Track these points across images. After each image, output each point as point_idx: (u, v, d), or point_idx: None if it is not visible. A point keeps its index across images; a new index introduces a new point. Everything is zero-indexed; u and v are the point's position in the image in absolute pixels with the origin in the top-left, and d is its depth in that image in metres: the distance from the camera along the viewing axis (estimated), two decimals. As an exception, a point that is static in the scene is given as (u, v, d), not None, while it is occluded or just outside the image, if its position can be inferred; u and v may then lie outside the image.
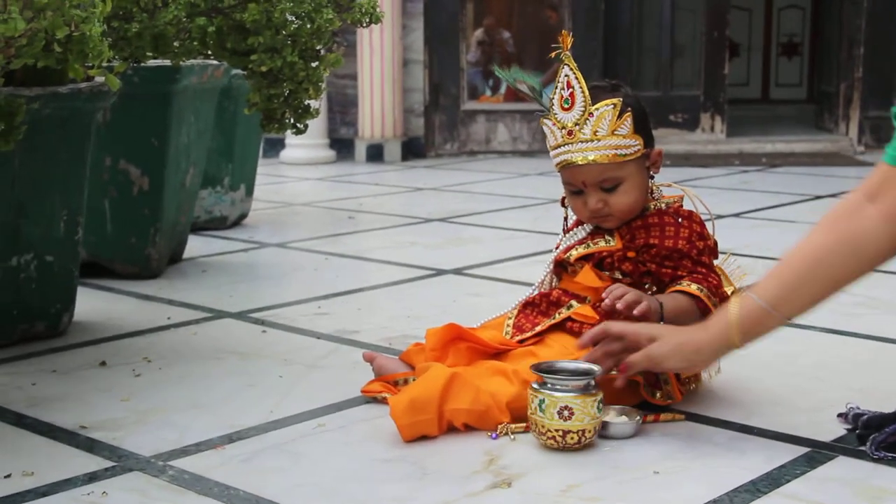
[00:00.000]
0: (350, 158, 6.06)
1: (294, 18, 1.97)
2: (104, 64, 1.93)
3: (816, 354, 2.05)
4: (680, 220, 1.75)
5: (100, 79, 2.07)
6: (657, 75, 6.58)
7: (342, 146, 6.09)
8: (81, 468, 1.51)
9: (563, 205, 1.86)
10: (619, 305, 1.63)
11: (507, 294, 2.55)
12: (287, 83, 1.99)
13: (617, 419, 1.62)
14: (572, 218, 1.86)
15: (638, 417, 1.62)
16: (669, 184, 1.81)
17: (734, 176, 5.14)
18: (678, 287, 1.71)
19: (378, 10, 2.14)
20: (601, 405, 1.57)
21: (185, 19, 1.91)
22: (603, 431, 1.60)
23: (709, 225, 1.81)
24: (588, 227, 1.81)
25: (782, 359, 2.01)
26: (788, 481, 1.44)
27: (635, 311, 1.62)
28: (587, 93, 1.70)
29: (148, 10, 1.86)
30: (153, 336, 2.25)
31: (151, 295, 2.62)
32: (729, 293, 1.81)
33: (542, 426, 1.55)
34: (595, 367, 1.61)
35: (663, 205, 1.77)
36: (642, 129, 1.74)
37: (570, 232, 1.84)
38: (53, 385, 1.90)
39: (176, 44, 1.98)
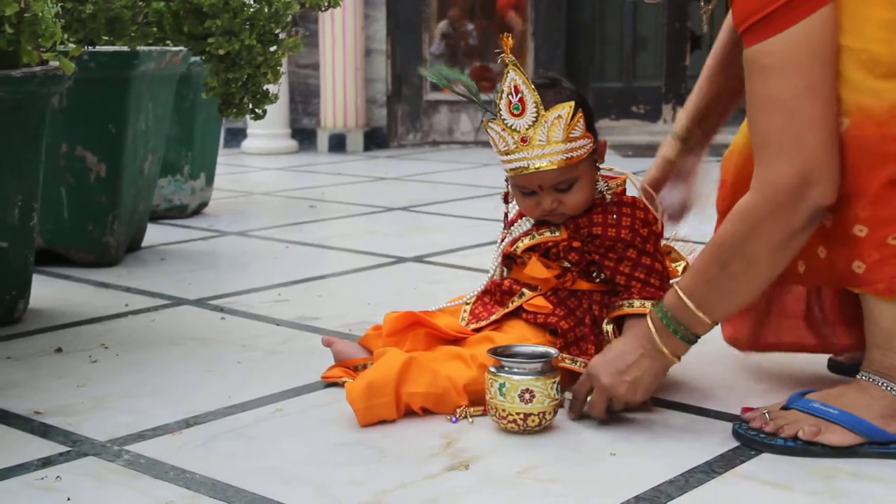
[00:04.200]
0: (312, 148, 6.03)
1: (252, 2, 1.95)
2: (58, 46, 1.91)
3: (773, 339, 2.06)
4: (623, 208, 1.75)
5: (54, 63, 2.05)
6: (620, 67, 6.61)
7: (304, 136, 6.07)
8: (35, 453, 1.50)
9: (505, 201, 1.84)
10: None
11: (467, 281, 2.55)
12: (245, 67, 1.98)
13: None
14: (513, 210, 1.85)
15: None
16: (611, 168, 1.82)
17: (695, 166, 5.17)
18: (634, 310, 1.70)
19: (337, -5, 2.13)
20: (559, 387, 1.58)
21: (140, 2, 1.89)
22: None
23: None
24: (532, 219, 1.81)
25: (739, 343, 2.03)
26: (743, 462, 1.46)
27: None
28: (538, 97, 1.67)
29: (102, -8, 1.84)
30: (110, 323, 2.23)
31: (109, 282, 2.60)
32: (679, 270, 1.82)
33: (503, 410, 1.56)
34: (552, 350, 1.62)
35: (608, 194, 1.77)
36: (591, 125, 1.74)
37: (515, 224, 1.83)
38: (8, 372, 1.88)
39: (133, 27, 1.96)
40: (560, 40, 6.19)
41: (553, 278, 1.75)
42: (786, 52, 1.37)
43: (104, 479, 1.41)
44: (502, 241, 1.85)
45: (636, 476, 1.41)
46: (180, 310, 2.34)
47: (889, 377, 1.47)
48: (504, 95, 1.69)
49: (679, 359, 1.56)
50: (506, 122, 1.69)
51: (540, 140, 1.67)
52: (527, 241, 1.78)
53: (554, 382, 1.56)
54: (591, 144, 1.72)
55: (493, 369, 1.58)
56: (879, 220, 1.40)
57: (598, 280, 1.75)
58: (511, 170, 1.73)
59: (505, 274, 1.86)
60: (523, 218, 1.82)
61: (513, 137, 1.69)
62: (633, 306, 1.70)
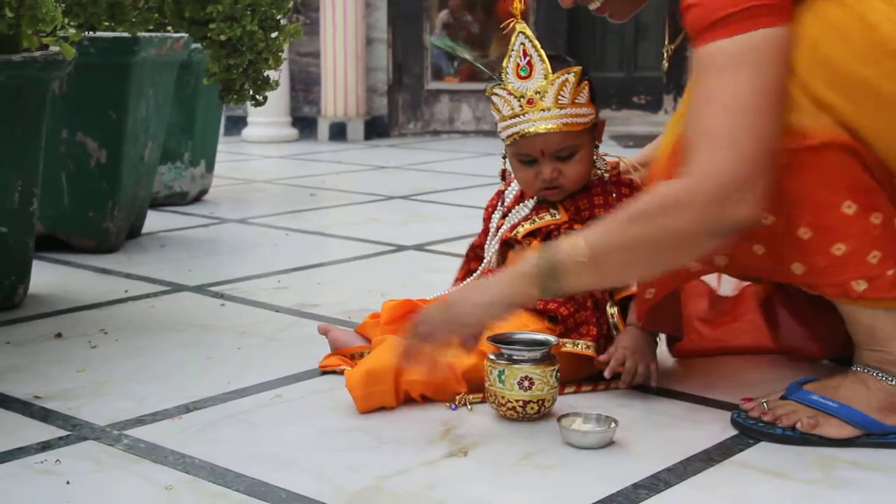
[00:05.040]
0: (313, 137, 6.03)
1: (253, -13, 1.95)
2: (58, 31, 1.90)
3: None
4: (622, 188, 1.76)
5: (55, 48, 2.04)
6: (621, 57, 6.60)
7: (305, 125, 6.06)
8: (35, 437, 1.50)
9: (502, 178, 1.85)
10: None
11: (468, 269, 2.55)
12: (246, 53, 1.97)
13: (584, 427, 1.50)
14: (510, 194, 1.85)
15: (613, 424, 1.49)
16: (606, 153, 1.82)
17: (695, 157, 5.16)
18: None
19: (339, -19, 2.12)
20: (558, 374, 1.58)
21: (142, -13, 1.89)
22: (569, 440, 1.48)
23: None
24: (531, 203, 1.80)
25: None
26: (742, 450, 1.46)
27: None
28: (546, 60, 1.69)
29: (104, -23, 1.83)
30: (110, 309, 2.23)
31: (109, 268, 2.60)
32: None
33: (502, 397, 1.56)
34: (551, 338, 1.62)
35: (605, 174, 1.77)
36: (594, 98, 1.75)
37: (513, 209, 1.83)
38: (7, 356, 1.88)
39: (133, 13, 1.95)
40: (561, 30, 6.18)
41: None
42: (742, 53, 1.33)
43: (104, 463, 1.42)
44: (498, 228, 1.84)
45: (635, 463, 1.41)
46: (180, 296, 2.34)
47: (884, 370, 1.47)
48: (512, 58, 1.70)
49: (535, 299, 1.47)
50: (512, 84, 1.70)
51: (546, 102, 1.68)
52: (527, 226, 1.78)
53: (553, 370, 1.56)
54: (593, 116, 1.73)
55: (492, 356, 1.58)
56: (824, 227, 1.40)
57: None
58: (514, 134, 1.72)
59: (499, 262, 1.85)
60: (522, 203, 1.82)
61: (518, 101, 1.70)
62: None
